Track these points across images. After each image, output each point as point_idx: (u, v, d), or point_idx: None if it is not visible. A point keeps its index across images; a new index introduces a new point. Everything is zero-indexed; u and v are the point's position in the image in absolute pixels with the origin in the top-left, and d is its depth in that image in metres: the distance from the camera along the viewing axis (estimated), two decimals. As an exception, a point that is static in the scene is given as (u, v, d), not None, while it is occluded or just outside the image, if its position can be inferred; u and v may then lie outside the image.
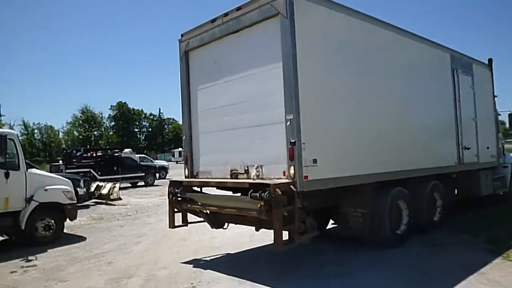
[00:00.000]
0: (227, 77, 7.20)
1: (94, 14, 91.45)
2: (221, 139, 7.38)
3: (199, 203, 7.42)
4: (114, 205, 16.90)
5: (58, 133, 75.23)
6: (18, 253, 8.41)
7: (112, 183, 18.32)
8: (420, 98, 8.78)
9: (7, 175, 8.87)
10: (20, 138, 51.61)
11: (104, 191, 17.43)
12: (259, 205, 5.86)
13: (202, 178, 7.68)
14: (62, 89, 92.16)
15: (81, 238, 10.05)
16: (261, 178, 6.41)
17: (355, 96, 7.10)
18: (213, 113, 7.52)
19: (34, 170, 9.91)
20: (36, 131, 71.43)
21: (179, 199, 7.65)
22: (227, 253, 7.85)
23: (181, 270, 6.83)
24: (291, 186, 5.94)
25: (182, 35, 8.09)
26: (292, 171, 6.00)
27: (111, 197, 17.37)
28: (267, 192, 5.81)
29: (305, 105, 6.04)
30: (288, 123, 6.01)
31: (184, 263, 7.29)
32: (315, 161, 6.10)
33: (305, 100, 6.03)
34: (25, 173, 9.26)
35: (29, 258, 8.07)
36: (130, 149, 31.31)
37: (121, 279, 6.50)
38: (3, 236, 9.76)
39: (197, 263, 7.28)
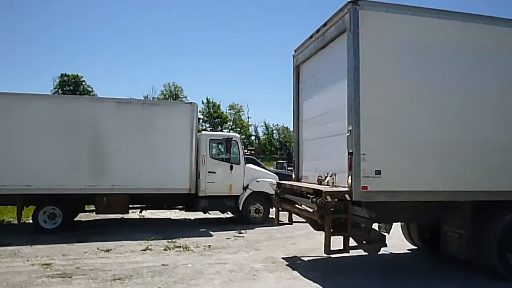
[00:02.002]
0: (320, 90, 7.78)
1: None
2: (314, 147, 7.96)
3: (292, 204, 7.99)
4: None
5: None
6: (235, 227, 11.28)
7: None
8: None
9: (231, 168, 11.91)
10: (261, 137, 60.70)
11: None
12: (314, 209, 6.31)
13: (303, 182, 8.34)
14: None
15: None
16: (335, 186, 6.72)
17: (437, 104, 6.54)
18: (311, 123, 8.18)
19: (250, 165, 12.75)
20: (275, 131, 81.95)
21: (281, 199, 8.38)
22: (390, 252, 8.48)
23: (345, 257, 7.99)
24: (346, 195, 6.11)
25: (294, 51, 8.84)
26: (349, 181, 6.12)
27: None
28: (321, 198, 6.16)
29: (368, 116, 6.07)
30: (348, 134, 6.16)
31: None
32: (378, 172, 6.05)
33: (367, 111, 6.07)
34: (244, 167, 12.12)
35: (241, 231, 10.75)
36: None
37: (296, 256, 8.20)
38: (228, 214, 12.95)
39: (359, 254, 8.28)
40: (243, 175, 12.02)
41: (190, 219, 13.27)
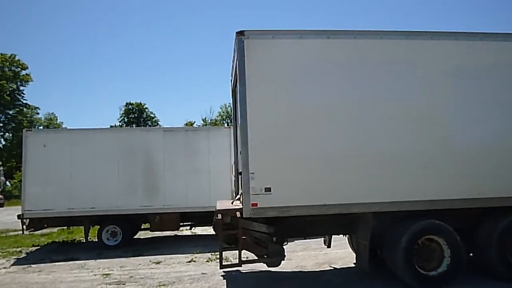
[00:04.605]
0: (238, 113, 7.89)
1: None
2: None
3: None
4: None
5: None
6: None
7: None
8: (466, 108, 6.95)
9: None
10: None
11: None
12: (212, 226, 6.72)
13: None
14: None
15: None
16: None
17: (328, 120, 6.68)
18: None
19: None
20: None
21: None
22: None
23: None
24: (237, 212, 6.49)
25: (231, 75, 8.72)
26: (241, 199, 6.51)
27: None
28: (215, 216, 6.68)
29: (255, 138, 6.35)
30: (239, 155, 6.49)
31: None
32: (268, 189, 6.28)
33: (255, 133, 6.36)
34: (281, 183, 12.94)
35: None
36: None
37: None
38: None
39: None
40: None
41: (236, 234, 14.25)
